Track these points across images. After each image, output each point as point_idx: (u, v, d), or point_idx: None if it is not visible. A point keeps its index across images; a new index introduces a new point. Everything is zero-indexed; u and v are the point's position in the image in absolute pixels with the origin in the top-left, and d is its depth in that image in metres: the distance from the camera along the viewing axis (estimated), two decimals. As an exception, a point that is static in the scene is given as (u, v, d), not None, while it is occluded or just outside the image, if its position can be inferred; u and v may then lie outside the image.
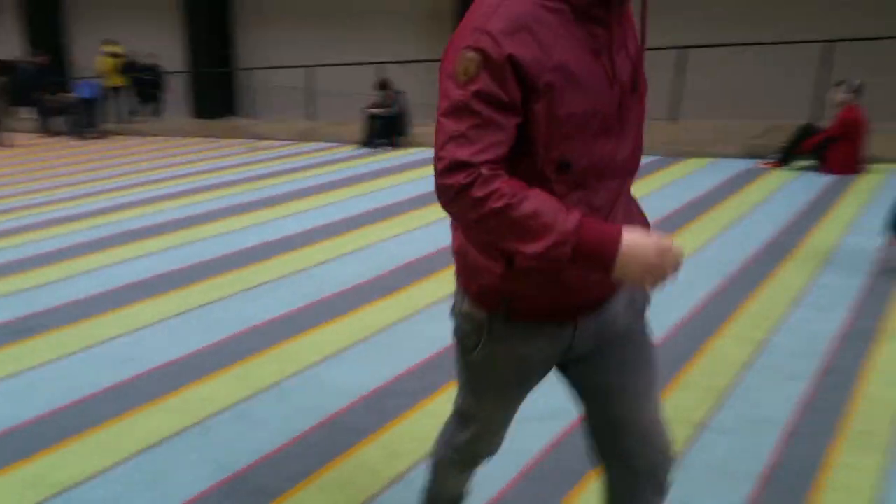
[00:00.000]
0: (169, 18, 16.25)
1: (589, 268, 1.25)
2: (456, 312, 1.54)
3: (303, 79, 13.24)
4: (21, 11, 18.40)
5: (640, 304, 1.54)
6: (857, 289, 4.07)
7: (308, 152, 10.28)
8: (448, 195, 1.26)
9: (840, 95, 7.02)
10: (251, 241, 5.50)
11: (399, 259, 4.89)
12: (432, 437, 2.68)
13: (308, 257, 5.02)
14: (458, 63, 1.25)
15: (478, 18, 1.25)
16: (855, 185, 6.61)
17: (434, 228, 5.68)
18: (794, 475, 2.41)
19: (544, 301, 1.40)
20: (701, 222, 5.54)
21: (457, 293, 1.54)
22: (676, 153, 8.57)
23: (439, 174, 1.26)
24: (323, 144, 11.07)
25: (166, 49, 15.84)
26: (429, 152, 9.74)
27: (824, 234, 5.12)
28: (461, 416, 1.67)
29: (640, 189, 6.73)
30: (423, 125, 11.16)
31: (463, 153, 1.23)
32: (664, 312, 3.78)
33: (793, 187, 6.65)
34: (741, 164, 7.78)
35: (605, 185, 1.35)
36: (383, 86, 10.34)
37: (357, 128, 10.75)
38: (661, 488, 1.55)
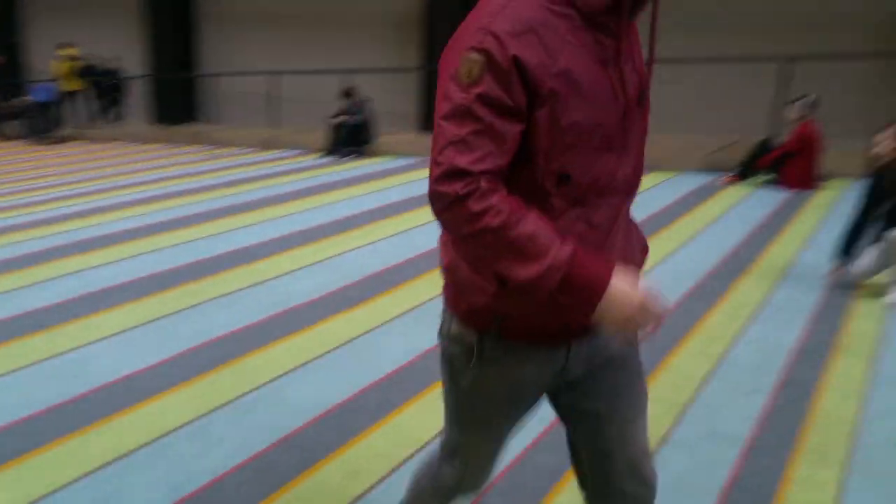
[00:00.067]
0: (129, 21, 15.94)
1: (570, 301, 1.21)
2: (444, 335, 1.47)
3: (266, 85, 13.11)
4: (-26, 11, 17.91)
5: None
6: (814, 303, 4.15)
7: (271, 160, 10.17)
8: (442, 203, 1.21)
9: (796, 112, 7.19)
10: (210, 251, 5.40)
11: (361, 271, 4.85)
12: (394, 455, 2.65)
13: (269, 268, 4.94)
14: (461, 64, 1.20)
15: (483, 18, 1.21)
16: (812, 201, 6.76)
17: (397, 239, 5.65)
18: (755, 490, 2.43)
19: (538, 321, 1.35)
20: (661, 237, 5.60)
21: (444, 315, 1.47)
22: (638, 166, 8.64)
23: (435, 180, 1.21)
24: (286, 152, 10.97)
25: (126, 52, 15.54)
26: (394, 161, 9.73)
27: (782, 249, 5.22)
28: (447, 450, 1.61)
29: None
30: (390, 134, 11.15)
31: (462, 160, 1.18)
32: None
33: (751, 202, 6.77)
34: (700, 179, 7.90)
35: (605, 202, 1.31)
36: (348, 94, 10.29)
37: (321, 135, 10.68)
38: None
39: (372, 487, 2.47)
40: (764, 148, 7.55)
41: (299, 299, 4.31)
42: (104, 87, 14.65)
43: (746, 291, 4.35)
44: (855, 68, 9.73)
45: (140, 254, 5.35)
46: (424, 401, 3.08)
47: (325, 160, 10.03)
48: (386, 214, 6.52)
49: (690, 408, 2.99)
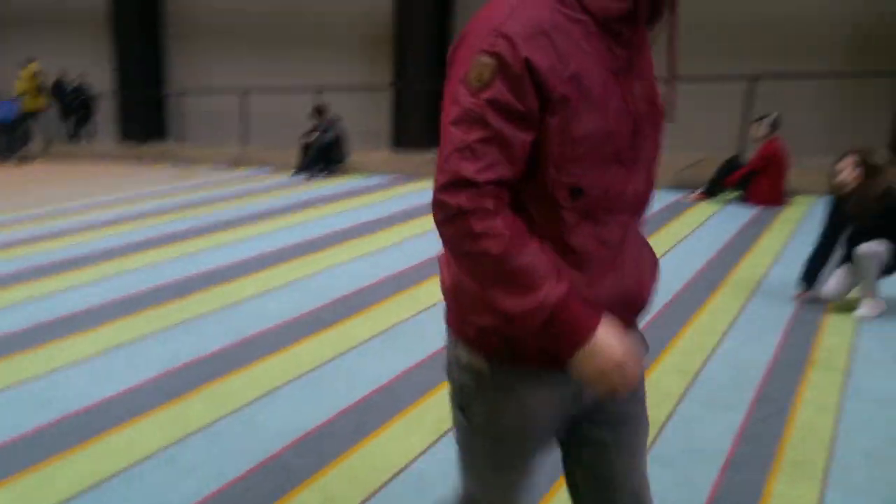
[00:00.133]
0: (97, 38, 15.75)
1: (549, 342, 1.19)
2: (451, 367, 1.38)
3: (236, 103, 13.02)
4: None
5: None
6: (786, 318, 4.20)
7: (240, 179, 10.08)
8: (445, 213, 1.17)
9: (761, 130, 7.32)
10: (178, 273, 5.31)
11: (333, 292, 4.79)
12: (371, 481, 2.60)
13: (239, 290, 4.87)
14: (471, 68, 1.16)
15: (494, 20, 1.17)
16: (780, 217, 6.88)
17: (371, 259, 5.61)
18: (734, 508, 2.43)
19: (550, 344, 1.29)
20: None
21: (449, 345, 1.39)
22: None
23: (440, 188, 1.17)
24: (256, 171, 10.88)
25: (94, 69, 15.33)
26: (366, 180, 9.69)
27: (752, 264, 5.28)
28: (469, 502, 1.50)
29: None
30: (362, 152, 11.11)
31: (468, 169, 1.15)
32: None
33: (720, 218, 6.86)
34: (669, 196, 7.99)
35: (614, 218, 1.27)
36: (319, 111, 10.26)
37: (292, 154, 10.61)
38: None
39: (350, 514, 2.42)
40: (731, 166, 7.67)
41: (271, 321, 4.24)
42: (72, 106, 14.41)
43: (719, 307, 4.39)
44: (821, 87, 9.96)
45: (107, 277, 5.24)
46: (401, 424, 3.03)
47: (296, 178, 9.96)
48: (359, 233, 6.48)
49: (669, 424, 2.99)
